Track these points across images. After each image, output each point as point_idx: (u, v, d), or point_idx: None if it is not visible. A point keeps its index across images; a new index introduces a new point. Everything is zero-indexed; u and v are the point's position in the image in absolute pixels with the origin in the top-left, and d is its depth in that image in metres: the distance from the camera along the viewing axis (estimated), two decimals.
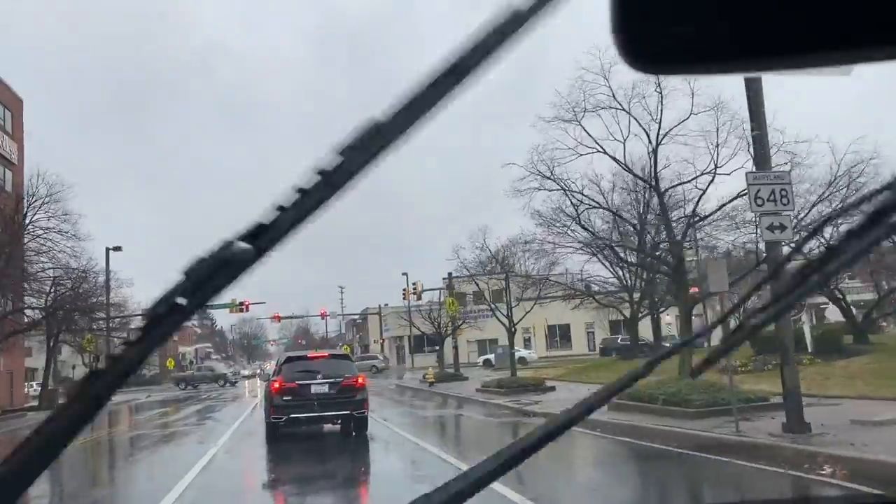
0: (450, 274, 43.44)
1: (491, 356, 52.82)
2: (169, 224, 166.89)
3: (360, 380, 14.52)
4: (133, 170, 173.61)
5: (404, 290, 55.34)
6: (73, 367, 68.43)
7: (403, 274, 56.75)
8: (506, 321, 27.98)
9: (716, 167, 18.54)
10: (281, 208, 0.67)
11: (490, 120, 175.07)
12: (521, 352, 52.89)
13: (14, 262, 29.56)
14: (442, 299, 46.89)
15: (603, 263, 29.54)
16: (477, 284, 32.17)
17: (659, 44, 0.72)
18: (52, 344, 37.47)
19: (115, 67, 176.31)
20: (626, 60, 0.73)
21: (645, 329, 34.74)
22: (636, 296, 32.69)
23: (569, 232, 25.08)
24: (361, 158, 0.68)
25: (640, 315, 33.34)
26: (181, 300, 0.66)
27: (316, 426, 14.96)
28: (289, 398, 13.99)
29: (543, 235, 31.78)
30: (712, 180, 18.69)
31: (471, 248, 33.59)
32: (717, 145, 18.57)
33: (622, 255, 23.51)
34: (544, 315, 48.08)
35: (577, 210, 21.00)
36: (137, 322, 65.36)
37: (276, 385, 14.14)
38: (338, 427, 15.08)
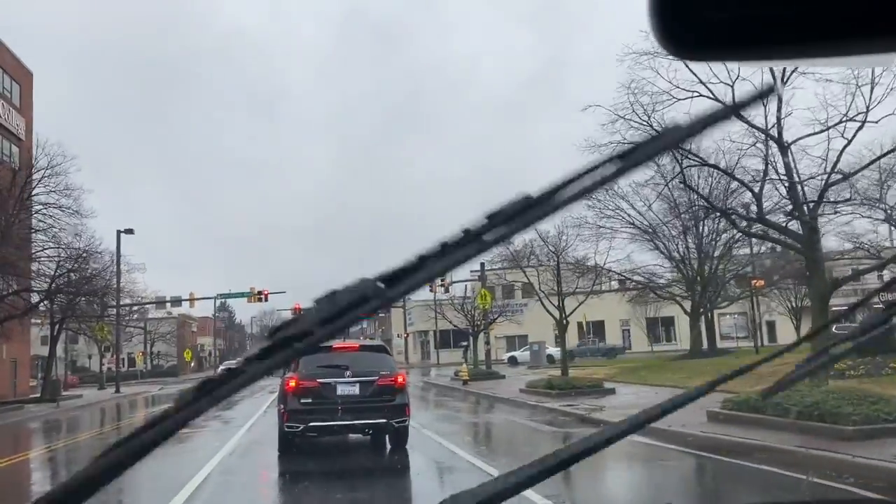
0: (482, 265, 40.29)
1: (516, 353, 51.11)
2: (186, 212, 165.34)
3: (399, 378, 11.29)
4: (152, 155, 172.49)
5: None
6: (90, 357, 66.43)
7: None
8: (556, 312, 24.58)
9: (867, 110, 14.56)
10: (422, 258, 0.69)
11: (514, 109, 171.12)
12: (548, 349, 49.95)
13: (9, 240, 26.81)
14: (468, 293, 43.91)
15: (663, 251, 26.15)
16: (524, 273, 28.64)
17: (700, 29, 0.72)
18: (55, 331, 34.80)
19: (136, 51, 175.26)
20: (664, 45, 0.73)
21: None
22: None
23: (623, 213, 22.03)
24: (506, 229, 0.69)
25: (702, 310, 29.77)
26: (312, 327, 0.67)
27: (340, 436, 11.78)
28: (308, 401, 10.81)
29: (595, 218, 28.55)
30: (860, 127, 14.74)
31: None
32: (873, 81, 14.70)
33: (738, 223, 19.77)
34: (581, 310, 45.30)
35: (681, 165, 17.39)
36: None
37: (292, 383, 10.95)
38: (367, 436, 11.88)
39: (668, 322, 64.85)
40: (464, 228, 0.69)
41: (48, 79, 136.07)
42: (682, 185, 18.74)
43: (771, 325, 56.95)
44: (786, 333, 52.72)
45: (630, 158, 0.70)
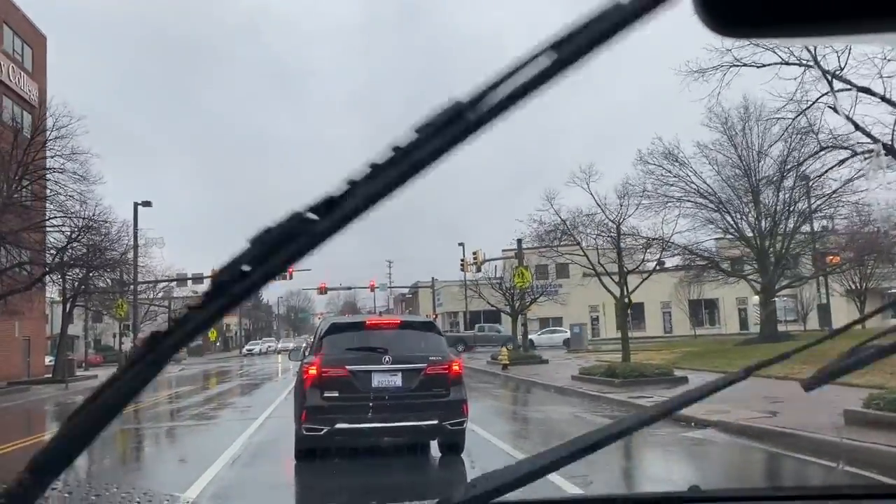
0: (519, 241, 37.47)
1: (533, 336, 47.92)
2: (210, 189, 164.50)
3: (455, 366, 8.50)
4: (175, 132, 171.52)
5: (462, 260, 50.23)
6: (114, 336, 64.96)
7: (460, 244, 51.94)
8: (615, 290, 21.60)
9: None
10: (352, 183, 0.65)
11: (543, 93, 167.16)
12: (564, 332, 47.31)
13: (10, 208, 24.54)
14: (499, 273, 41.26)
15: (731, 223, 23.04)
16: (581, 248, 25.51)
17: (740, 4, 0.68)
18: (67, 308, 32.67)
19: (160, 27, 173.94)
20: (703, 20, 0.67)
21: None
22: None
23: (687, 181, 18.89)
24: (440, 141, 0.64)
25: (777, 288, 26.57)
26: (246, 268, 0.65)
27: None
28: (333, 395, 8.08)
29: (656, 185, 25.57)
30: None
31: (547, 211, 26.91)
32: None
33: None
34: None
35: (830, 85, 14.36)
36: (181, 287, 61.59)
37: (312, 371, 8.22)
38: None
39: (711, 304, 61.71)
40: (392, 146, 0.63)
41: (69, 51, 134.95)
42: (831, 108, 15.71)
43: (824, 309, 53.45)
44: (841, 317, 49.42)
45: (567, 47, 0.61)
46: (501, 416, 14.01)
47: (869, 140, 15.67)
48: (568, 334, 45.66)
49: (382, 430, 8.12)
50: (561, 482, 7.33)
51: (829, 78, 13.91)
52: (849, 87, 14.41)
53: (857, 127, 15.94)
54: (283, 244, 0.64)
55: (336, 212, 0.64)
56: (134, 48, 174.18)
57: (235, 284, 0.65)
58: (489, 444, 9.99)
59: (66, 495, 1.53)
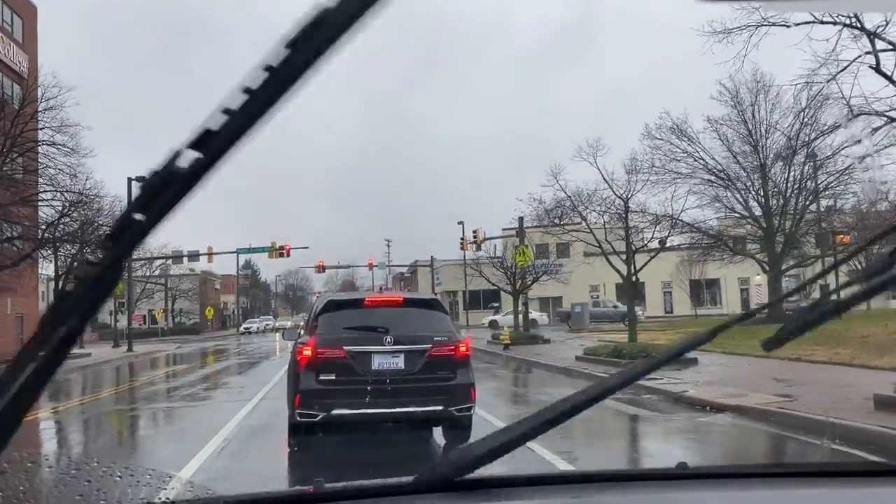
0: (520, 219, 36.80)
1: (497, 317, 49.96)
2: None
3: (462, 347, 7.85)
4: (168, 105, 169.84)
5: (462, 239, 49.74)
6: (110, 313, 64.46)
7: (459, 223, 51.40)
8: (621, 268, 20.96)
9: None
10: (228, 111, 0.62)
11: (542, 62, 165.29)
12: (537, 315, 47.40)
13: (1, 182, 23.82)
14: (499, 252, 40.76)
15: (740, 200, 22.32)
16: (587, 224, 24.83)
17: None
18: (60, 284, 32.04)
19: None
20: None
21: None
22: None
23: (696, 157, 18.05)
24: (310, 51, 0.61)
25: (784, 268, 25.94)
26: (138, 216, 0.64)
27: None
28: (330, 378, 7.44)
29: (663, 160, 24.86)
30: None
31: (550, 188, 26.20)
32: None
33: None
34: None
35: (872, 44, 13.55)
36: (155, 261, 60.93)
37: (307, 352, 7.55)
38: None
39: (713, 284, 61.28)
40: (263, 65, 0.61)
41: (61, 22, 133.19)
42: (874, 70, 14.85)
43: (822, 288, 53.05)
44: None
45: None
46: (506, 399, 13.44)
47: None
48: (542, 315, 46.77)
49: (383, 416, 7.50)
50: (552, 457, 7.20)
51: (871, 36, 13.03)
52: (892, 47, 13.54)
53: None
54: (169, 184, 0.62)
55: (215, 143, 0.61)
56: (126, 19, 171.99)
57: (128, 232, 0.63)
58: (494, 429, 9.40)
59: (47, 469, 1.45)
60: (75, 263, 31.65)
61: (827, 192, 25.81)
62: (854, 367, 13.95)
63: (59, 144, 25.66)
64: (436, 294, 66.00)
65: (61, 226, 27.69)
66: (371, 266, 71.47)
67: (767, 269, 26.55)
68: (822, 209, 27.95)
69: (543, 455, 7.80)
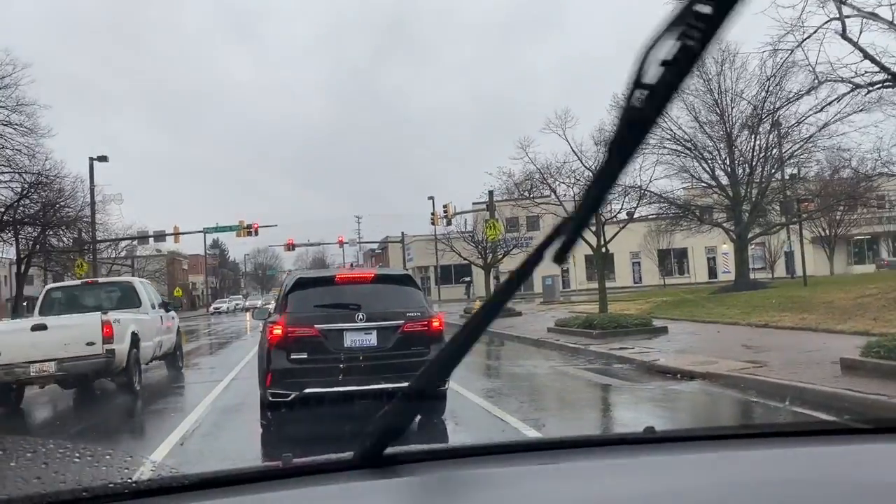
0: (490, 193, 36.79)
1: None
2: (170, 144, 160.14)
3: (435, 322, 7.84)
4: (129, 83, 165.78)
5: (432, 214, 49.66)
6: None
7: (429, 198, 51.52)
8: (593, 241, 21.12)
9: None
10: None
11: (509, 32, 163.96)
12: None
13: None
14: (470, 227, 40.81)
15: (706, 169, 22.49)
16: (556, 195, 24.93)
17: None
18: (21, 269, 31.31)
19: None
20: None
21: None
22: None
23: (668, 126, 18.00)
24: None
25: (751, 236, 26.33)
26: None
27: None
28: (301, 357, 7.38)
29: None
30: None
31: (520, 161, 26.22)
32: None
33: None
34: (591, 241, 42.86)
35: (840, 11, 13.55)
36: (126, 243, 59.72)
37: (277, 331, 7.44)
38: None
39: (681, 254, 62.12)
40: None
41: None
42: (840, 36, 14.89)
43: (789, 256, 54.02)
44: (809, 265, 50.06)
45: None
46: (479, 373, 13.49)
47: (876, 69, 14.99)
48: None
49: (356, 394, 7.47)
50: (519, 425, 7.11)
51: (839, 2, 13.06)
52: (856, 13, 13.67)
53: (866, 55, 15.23)
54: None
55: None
56: None
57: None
58: (470, 403, 9.44)
59: (18, 452, 1.42)
60: (37, 246, 30.94)
61: (791, 161, 26.24)
62: (820, 332, 14.25)
63: (16, 124, 24.90)
64: (407, 270, 66.08)
65: (21, 208, 26.98)
66: (341, 243, 71.14)
67: (734, 237, 26.99)
68: (787, 177, 28.37)
69: (508, 421, 7.88)
